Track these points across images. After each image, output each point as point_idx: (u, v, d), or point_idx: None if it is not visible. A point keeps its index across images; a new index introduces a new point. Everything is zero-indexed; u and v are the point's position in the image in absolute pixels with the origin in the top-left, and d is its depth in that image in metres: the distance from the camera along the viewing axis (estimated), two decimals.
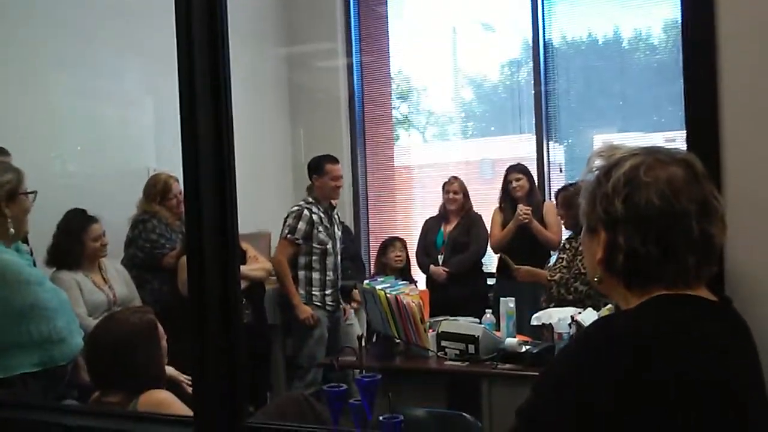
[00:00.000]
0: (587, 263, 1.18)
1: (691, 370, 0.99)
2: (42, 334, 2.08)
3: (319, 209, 4.10)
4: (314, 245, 4.06)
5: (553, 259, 3.68)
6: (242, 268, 3.86)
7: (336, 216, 4.25)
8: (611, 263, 1.09)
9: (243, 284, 3.79)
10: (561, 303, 3.44)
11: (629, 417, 0.97)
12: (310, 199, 4.12)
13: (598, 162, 1.13)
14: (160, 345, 2.09)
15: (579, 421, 0.99)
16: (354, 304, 4.53)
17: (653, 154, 1.09)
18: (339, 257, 4.19)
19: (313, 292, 4.08)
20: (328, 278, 4.11)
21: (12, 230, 2.09)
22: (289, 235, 4.05)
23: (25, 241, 2.35)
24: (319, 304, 4.09)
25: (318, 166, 4.16)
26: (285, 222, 4.08)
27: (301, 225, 4.03)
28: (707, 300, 1.08)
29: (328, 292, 4.11)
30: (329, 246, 4.10)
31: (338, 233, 4.22)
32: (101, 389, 2.06)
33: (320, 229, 4.07)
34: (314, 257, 4.07)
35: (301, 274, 4.09)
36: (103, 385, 2.06)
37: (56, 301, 2.11)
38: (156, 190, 3.83)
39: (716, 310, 1.09)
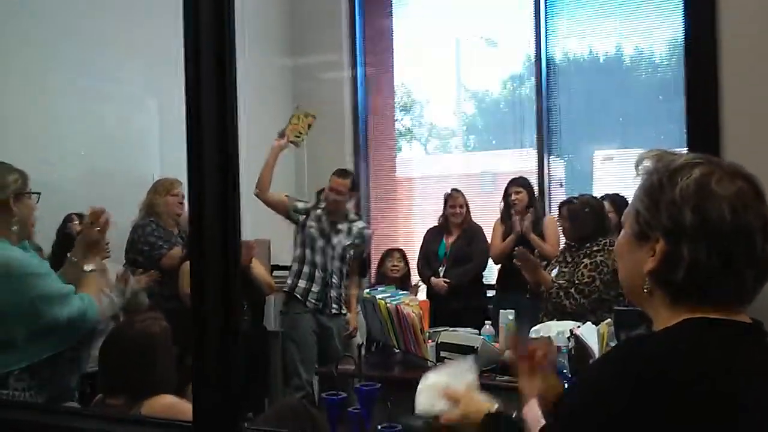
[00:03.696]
0: (626, 271, 1.10)
1: (713, 395, 0.96)
2: (58, 319, 2.09)
3: (324, 211, 4.22)
4: (303, 234, 4.21)
5: (554, 272, 3.66)
6: (254, 270, 4.01)
7: (344, 228, 4.26)
8: (667, 275, 1.02)
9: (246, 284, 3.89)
10: (561, 316, 3.45)
11: None
12: (321, 201, 4.29)
13: (649, 164, 1.06)
14: (173, 351, 2.11)
15: None
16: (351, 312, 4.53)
17: (717, 164, 1.03)
18: (329, 261, 4.21)
19: (298, 284, 4.16)
20: (317, 274, 4.16)
21: (15, 228, 2.11)
22: (289, 196, 4.29)
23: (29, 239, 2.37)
24: (299, 296, 4.14)
25: (331, 175, 4.29)
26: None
27: (303, 206, 4.26)
28: (742, 323, 1.04)
29: (314, 289, 4.15)
30: (318, 244, 4.17)
31: (335, 241, 4.23)
32: (109, 392, 2.07)
33: (312, 224, 4.19)
34: (306, 249, 4.19)
35: (294, 266, 4.22)
36: (113, 388, 2.06)
37: (66, 288, 2.13)
38: (162, 186, 3.97)
39: (748, 332, 1.04)
